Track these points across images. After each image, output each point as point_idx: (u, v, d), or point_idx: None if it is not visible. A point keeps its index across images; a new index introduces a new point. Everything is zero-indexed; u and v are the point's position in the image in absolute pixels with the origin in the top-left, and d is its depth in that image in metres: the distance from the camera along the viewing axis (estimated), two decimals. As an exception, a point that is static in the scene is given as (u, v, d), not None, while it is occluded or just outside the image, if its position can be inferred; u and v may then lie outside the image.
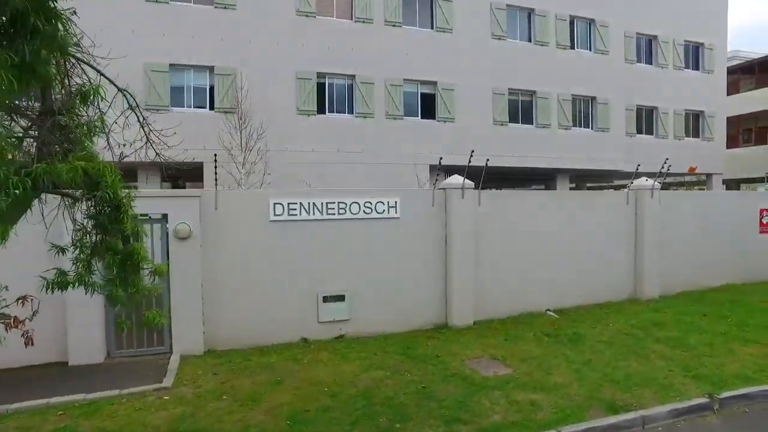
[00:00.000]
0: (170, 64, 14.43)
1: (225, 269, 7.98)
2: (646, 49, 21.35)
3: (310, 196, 8.34)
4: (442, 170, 9.51)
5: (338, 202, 8.43)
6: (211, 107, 14.76)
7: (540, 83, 18.06)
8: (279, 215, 8.18)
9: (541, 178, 20.48)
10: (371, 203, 8.58)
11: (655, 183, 10.75)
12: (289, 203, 8.21)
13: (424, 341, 8.20)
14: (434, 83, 16.81)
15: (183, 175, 15.59)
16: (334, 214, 8.43)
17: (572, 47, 18.85)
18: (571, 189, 21.25)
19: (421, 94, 16.84)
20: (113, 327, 7.52)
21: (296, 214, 8.25)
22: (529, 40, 18.23)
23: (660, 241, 10.87)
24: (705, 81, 22.44)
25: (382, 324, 8.71)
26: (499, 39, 17.60)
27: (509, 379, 6.49)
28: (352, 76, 15.84)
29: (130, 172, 14.88)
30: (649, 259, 10.69)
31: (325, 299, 8.42)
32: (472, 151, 9.14)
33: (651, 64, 21.39)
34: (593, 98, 19.13)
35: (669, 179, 26.42)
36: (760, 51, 31.53)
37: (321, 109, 15.69)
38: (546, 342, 7.98)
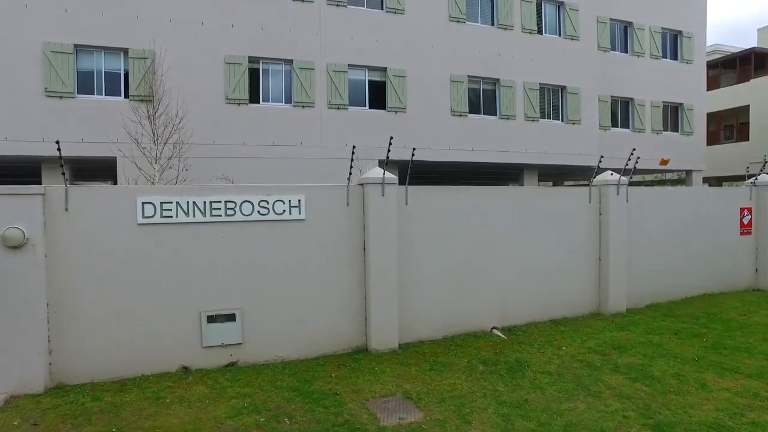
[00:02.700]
0: (76, 45, 12.84)
1: (81, 285, 6.49)
2: (621, 36, 20.30)
3: (189, 194, 6.88)
4: (393, 165, 8.11)
5: (225, 201, 6.97)
6: (126, 95, 13.19)
7: (504, 70, 16.82)
8: (149, 217, 6.70)
9: (508, 175, 19.23)
10: (267, 202, 7.14)
11: (622, 178, 9.48)
12: (162, 202, 6.73)
13: (329, 371, 6.78)
14: (384, 70, 15.45)
15: (96, 173, 14.04)
16: (220, 215, 6.97)
17: (540, 32, 17.67)
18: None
19: (369, 81, 15.47)
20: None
21: (171, 216, 6.78)
22: (492, 24, 16.99)
23: (628, 244, 9.60)
24: (684, 72, 21.44)
25: (286, 348, 7.29)
26: (458, 21, 16.32)
27: (415, 430, 5.09)
28: (290, 61, 14.40)
29: (32, 168, 13.33)
30: (614, 266, 9.41)
31: (211, 319, 6.96)
32: (414, 149, 7.78)
33: (626, 52, 20.35)
34: (563, 87, 17.96)
35: (649, 177, 25.50)
36: (741, 46, 30.85)
37: (254, 98, 14.22)
38: (479, 372, 6.61)
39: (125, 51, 13.15)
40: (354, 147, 7.59)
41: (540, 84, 17.46)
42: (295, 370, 6.86)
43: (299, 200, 7.26)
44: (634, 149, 9.52)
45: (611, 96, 19.66)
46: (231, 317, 7.04)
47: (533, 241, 8.95)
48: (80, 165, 13.74)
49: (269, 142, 13.92)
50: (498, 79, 16.89)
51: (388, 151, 7.47)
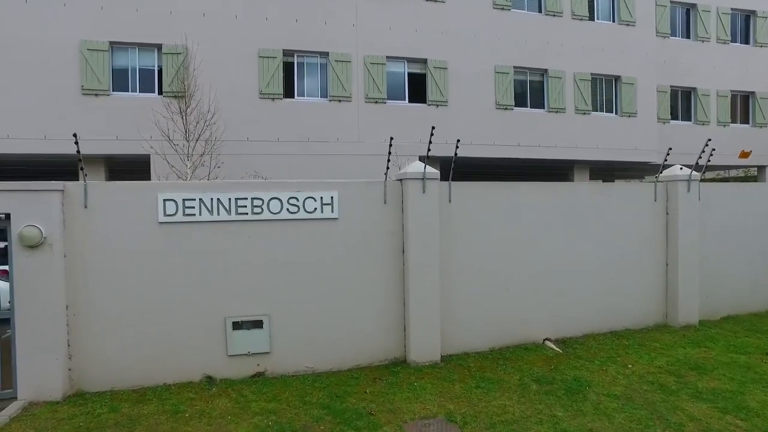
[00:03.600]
0: (111, 42, 12.77)
1: (101, 287, 6.16)
2: (683, 19, 18.76)
3: (213, 190, 6.44)
4: (434, 161, 7.47)
5: (252, 198, 6.49)
6: (160, 92, 13.04)
7: (552, 60, 15.81)
8: (171, 215, 6.30)
9: (557, 173, 18.15)
10: (297, 199, 6.61)
11: (693, 173, 8.49)
12: (184, 199, 6.32)
13: (364, 386, 6.19)
14: (424, 61, 14.76)
15: (130, 171, 13.99)
16: (246, 213, 6.50)
17: (591, 18, 16.54)
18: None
19: (409, 74, 14.80)
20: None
21: (194, 214, 6.36)
22: (539, 10, 16.01)
23: (700, 247, 8.58)
24: (756, 57, 19.58)
25: (317, 359, 6.76)
26: (503, 9, 15.44)
27: (459, 461, 4.44)
28: (325, 54, 13.93)
29: (71, 165, 13.34)
30: (684, 272, 8.42)
31: (236, 326, 6.50)
32: (458, 140, 7.15)
33: (689, 37, 18.82)
34: (617, 77, 16.76)
35: (710, 174, 23.72)
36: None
37: (288, 93, 13.82)
38: (533, 392, 5.87)
39: (159, 47, 13.00)
40: (391, 138, 6.98)
41: (592, 74, 16.34)
42: (327, 383, 6.31)
43: (332, 197, 6.70)
44: (710, 140, 8.49)
45: (671, 86, 18.22)
46: (258, 324, 6.56)
47: (590, 244, 8.09)
48: (115, 163, 13.71)
49: (304, 139, 13.49)
50: (546, 70, 15.91)
51: (430, 142, 6.82)
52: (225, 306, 6.48)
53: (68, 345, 6.08)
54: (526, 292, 7.72)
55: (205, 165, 11.83)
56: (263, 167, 12.30)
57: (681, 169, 8.58)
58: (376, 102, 14.20)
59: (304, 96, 13.95)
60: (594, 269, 8.11)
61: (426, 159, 6.92)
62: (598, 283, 8.14)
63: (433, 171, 7.00)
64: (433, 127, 6.92)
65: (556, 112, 15.99)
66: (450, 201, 7.29)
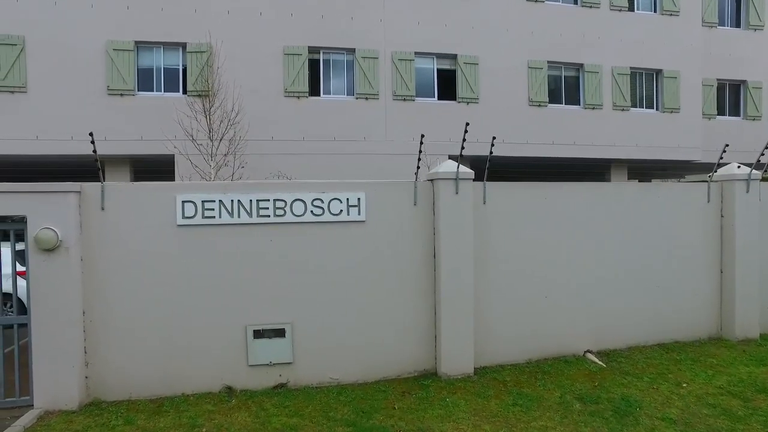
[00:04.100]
0: (136, 42, 12.72)
1: (118, 292, 5.93)
2: (733, 7, 17.68)
3: (233, 191, 6.14)
4: (465, 161, 7.01)
5: (274, 200, 6.17)
6: (184, 91, 12.93)
7: (589, 54, 15.14)
8: (190, 217, 6.03)
9: (593, 172, 17.41)
10: (322, 201, 6.27)
11: (753, 171, 7.83)
12: (204, 201, 6.04)
13: (392, 401, 5.80)
14: (454, 57, 14.30)
15: (155, 172, 13.94)
16: (269, 216, 6.18)
17: (631, 8, 15.79)
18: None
19: (438, 70, 14.37)
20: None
21: (214, 216, 6.07)
22: (575, 2, 15.36)
23: (760, 252, 7.89)
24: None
25: (342, 370, 6.41)
26: (536, 1, 14.87)
27: (499, 493, 4.00)
28: (352, 50, 13.60)
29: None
30: (742, 279, 7.75)
31: (258, 334, 6.19)
32: (494, 138, 6.68)
33: (739, 26, 17.75)
34: (658, 71, 15.95)
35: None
36: None
37: (314, 91, 13.55)
38: (577, 413, 5.38)
39: (183, 46, 12.90)
40: (422, 136, 6.57)
41: (631, 68, 15.59)
42: (352, 396, 5.94)
43: (359, 199, 6.33)
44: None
45: (717, 79, 17.23)
46: (280, 332, 6.24)
47: (636, 248, 7.52)
48: (140, 164, 13.67)
49: (330, 138, 13.20)
50: (582, 64, 15.24)
51: (464, 140, 6.38)
52: (245, 313, 6.18)
53: (85, 352, 5.88)
54: (566, 300, 7.21)
55: (229, 165, 11.65)
56: (288, 167, 12.05)
57: (739, 167, 7.91)
58: (404, 99, 13.81)
59: (330, 94, 13.67)
60: (640, 276, 7.54)
61: (459, 158, 6.48)
62: (644, 290, 7.56)
63: (466, 171, 6.56)
64: (467, 124, 6.49)
65: (593, 108, 15.31)
66: (484, 202, 6.84)
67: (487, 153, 6.83)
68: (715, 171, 8.06)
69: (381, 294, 6.51)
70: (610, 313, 7.39)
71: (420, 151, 6.57)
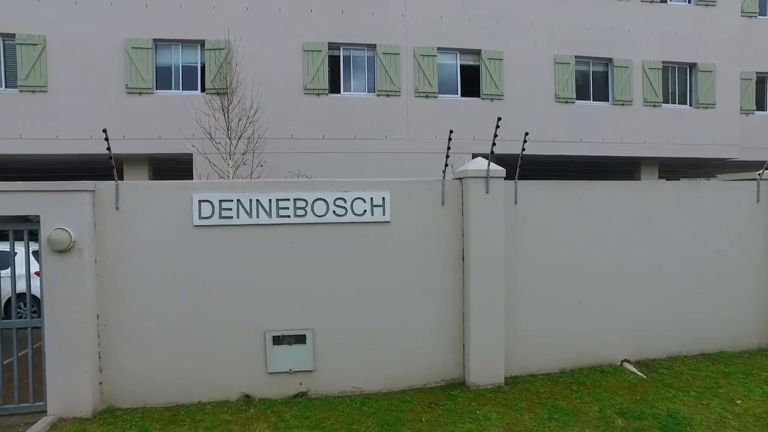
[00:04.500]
0: (155, 40, 12.61)
1: (133, 296, 5.72)
2: (775, -5, 16.90)
3: (252, 190, 5.87)
4: (491, 160, 6.65)
5: (294, 199, 5.89)
6: (203, 89, 12.78)
7: (618, 48, 14.60)
8: (207, 218, 5.78)
9: (621, 171, 16.82)
10: (345, 200, 5.96)
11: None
12: (221, 200, 5.79)
13: (418, 412, 5.47)
14: (477, 52, 13.90)
15: (174, 171, 13.84)
16: (289, 216, 5.90)
17: (663, 0, 15.15)
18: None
19: (461, 66, 13.98)
20: (-26, 375, 5.59)
21: (232, 217, 5.82)
22: (604, -6, 14.84)
23: (807, 257, 7.38)
24: None
25: (365, 378, 6.10)
26: (563, -7, 14.39)
27: None
28: (373, 46, 13.30)
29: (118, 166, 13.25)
30: (791, 284, 7.24)
31: (277, 341, 5.92)
32: (527, 134, 6.33)
33: (782, 16, 16.96)
34: (692, 65, 15.32)
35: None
36: None
37: (334, 88, 13.29)
38: (620, 430, 4.98)
39: (202, 43, 12.75)
40: (451, 132, 6.22)
41: (663, 62, 15.00)
42: (376, 407, 5.63)
43: (383, 198, 6.01)
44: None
45: (757, 72, 16.44)
46: (301, 339, 5.96)
47: (677, 251, 7.06)
48: (158, 162, 13.57)
49: (350, 136, 12.92)
50: (611, 59, 14.71)
51: (495, 135, 6.01)
52: (265, 318, 5.91)
53: (99, 357, 5.68)
54: (602, 306, 6.79)
55: (248, 164, 11.45)
56: (307, 166, 11.81)
57: (790, 164, 7.39)
58: (426, 96, 13.46)
59: (350, 91, 13.41)
60: (681, 280, 7.08)
61: (490, 156, 6.12)
62: (687, 296, 7.10)
63: (498, 168, 6.20)
64: (499, 119, 6.13)
65: (622, 104, 14.76)
66: (516, 202, 6.46)
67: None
68: (766, 169, 7.53)
69: (406, 298, 6.19)
70: (649, 320, 6.95)
71: (448, 148, 6.24)
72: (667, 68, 15.23)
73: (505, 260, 6.27)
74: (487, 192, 6.15)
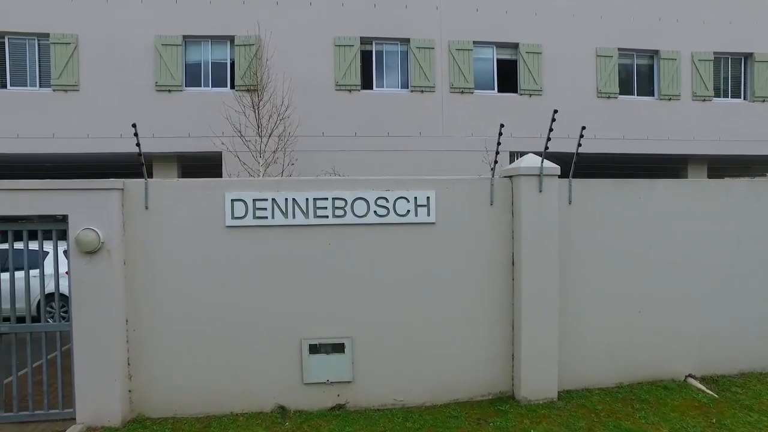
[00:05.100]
0: (184, 37, 12.45)
1: (162, 300, 5.44)
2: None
3: (287, 189, 5.52)
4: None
5: (333, 199, 5.52)
6: (232, 86, 12.57)
7: (665, 39, 13.84)
8: (240, 218, 5.46)
9: (667, 169, 16.00)
10: (387, 200, 5.56)
11: None
12: (255, 200, 5.46)
13: (467, 430, 5.03)
14: (515, 46, 13.35)
15: (203, 169, 13.69)
16: (327, 216, 5.53)
17: (716, -14, 14.35)
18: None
19: (498, 60, 13.45)
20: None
21: (266, 217, 5.48)
22: (650, -18, 14.10)
23: None
24: None
25: (407, 390, 5.70)
26: (607, -18, 13.71)
27: None
28: (406, 41, 12.88)
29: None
30: None
31: (314, 349, 5.56)
32: (583, 128, 5.82)
33: None
34: (748, 55, 14.42)
35: None
36: None
37: (366, 84, 12.91)
38: (696, 456, 4.46)
39: (231, 39, 12.54)
40: (502, 126, 5.75)
41: (715, 53, 14.16)
42: (420, 423, 5.22)
43: (428, 197, 5.59)
44: None
45: (820, 61, 15.40)
46: (339, 348, 5.59)
47: (749, 257, 6.44)
48: (187, 161, 13.43)
49: (383, 133, 12.53)
50: (657, 51, 13.96)
51: (550, 129, 5.54)
52: (301, 325, 5.56)
53: (128, 364, 5.41)
54: (663, 316, 6.23)
55: (278, 162, 11.17)
56: (339, 164, 11.48)
57: None
58: (462, 92, 12.98)
59: (383, 87, 13.01)
60: (755, 289, 6.46)
61: (543, 153, 5.64)
62: (761, 307, 6.47)
63: (552, 166, 5.72)
64: (555, 111, 5.66)
65: (669, 99, 13.99)
66: (570, 202, 5.96)
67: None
68: None
69: (451, 306, 5.76)
70: (717, 331, 6.35)
71: (498, 144, 5.78)
72: (719, 59, 14.37)
73: (559, 265, 5.78)
74: (541, 191, 5.67)
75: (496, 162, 5.87)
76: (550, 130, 5.54)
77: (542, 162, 5.67)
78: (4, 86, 12.42)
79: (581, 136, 5.79)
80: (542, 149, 5.70)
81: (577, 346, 6.00)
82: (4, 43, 12.34)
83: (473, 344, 5.82)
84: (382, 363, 5.67)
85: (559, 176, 5.79)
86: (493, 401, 5.76)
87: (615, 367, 6.12)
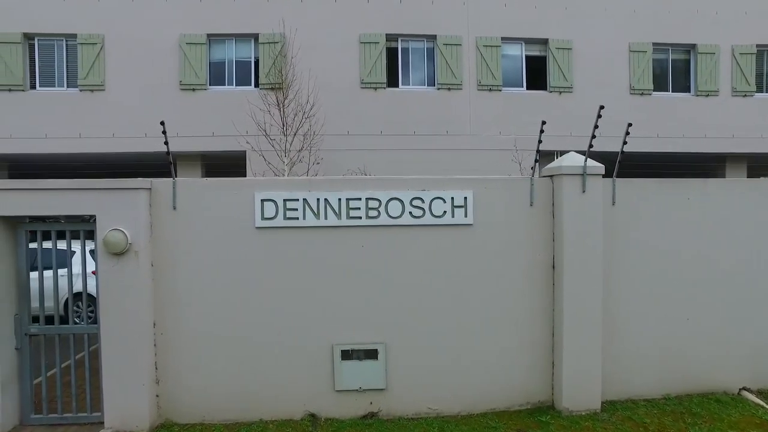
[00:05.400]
0: (209, 35, 12.39)
1: (190, 302, 5.30)
2: None
3: (319, 188, 5.33)
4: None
5: (367, 199, 5.31)
6: (256, 84, 12.48)
7: (703, 32, 13.33)
8: (270, 218, 5.29)
9: (702, 168, 15.44)
10: (423, 200, 5.34)
11: None
12: (285, 200, 5.28)
13: (508, 445, 4.78)
14: (544, 42, 13.00)
15: (227, 169, 13.65)
16: (360, 217, 5.33)
17: (758, -26, 13.78)
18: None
19: (527, 57, 13.10)
20: (29, 385, 5.30)
21: (297, 218, 5.30)
22: (688, -27, 13.59)
23: None
24: None
25: (442, 399, 5.47)
26: (641, -25, 13.26)
27: None
28: (433, 37, 12.63)
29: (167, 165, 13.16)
30: None
31: (346, 355, 5.36)
32: (630, 124, 5.60)
33: None
34: (794, 48, 13.81)
35: None
36: None
37: (392, 81, 12.69)
38: (761, 478, 4.13)
39: (255, 37, 12.45)
40: (543, 123, 5.49)
41: (757, 46, 13.56)
42: (457, 433, 4.98)
43: (465, 198, 5.35)
44: None
45: None
46: (372, 354, 5.38)
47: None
48: (210, 160, 13.38)
49: (409, 132, 12.31)
50: (694, 45, 13.45)
51: (596, 126, 5.25)
52: (332, 330, 5.37)
53: (155, 368, 5.29)
54: (714, 324, 5.88)
55: (303, 161, 11.03)
56: (364, 163, 11.28)
57: None
58: (489, 90, 12.69)
59: (409, 85, 12.80)
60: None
61: (588, 150, 5.35)
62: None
63: (596, 165, 5.43)
64: (602, 107, 5.38)
65: (706, 95, 13.48)
66: (614, 203, 5.66)
67: (581, 147, 5.66)
68: None
69: (488, 311, 5.51)
70: (772, 340, 5.98)
71: (539, 141, 5.50)
72: (762, 52, 13.76)
73: (602, 269, 5.48)
74: (584, 191, 5.38)
75: (536, 161, 5.60)
76: (596, 126, 5.26)
77: (586, 161, 5.38)
78: (34, 87, 12.53)
79: (627, 133, 5.52)
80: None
81: (621, 353, 5.69)
82: (34, 44, 12.46)
83: (511, 351, 5.56)
84: (416, 370, 5.45)
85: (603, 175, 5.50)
86: (532, 411, 5.50)
87: (661, 376, 5.80)
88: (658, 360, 5.78)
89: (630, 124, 5.49)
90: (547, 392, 5.63)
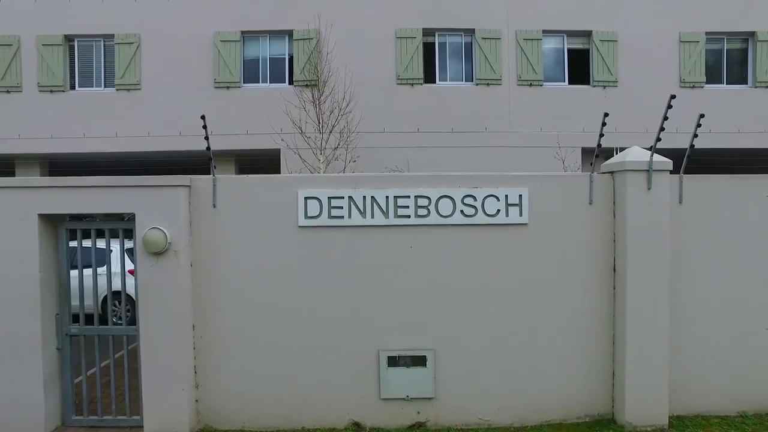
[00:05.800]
0: (242, 32, 12.33)
1: (230, 304, 5.12)
2: None
3: (365, 185, 5.08)
4: (601, 157, 5.49)
5: (415, 197, 5.03)
6: (290, 81, 12.36)
7: (763, 18, 12.55)
8: (314, 217, 5.06)
9: (757, 165, 14.61)
10: (475, 198, 5.03)
11: None
12: (330, 198, 5.05)
13: (569, 463, 4.44)
14: (587, 34, 12.49)
15: (261, 167, 13.58)
16: (408, 216, 5.05)
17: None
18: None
19: (569, 50, 12.63)
20: (70, 385, 5.21)
21: (343, 216, 5.06)
22: (744, -44, 12.86)
23: None
24: None
25: (493, 409, 5.16)
26: (692, -40, 12.62)
27: None
28: (471, 31, 12.27)
29: (204, 163, 13.18)
30: None
31: (392, 362, 5.10)
32: (701, 115, 5.19)
33: None
34: None
35: None
36: None
37: (429, 77, 12.39)
38: None
39: (290, 33, 12.34)
40: (606, 115, 5.11)
41: (826, 31, 12.75)
42: (511, 448, 4.66)
43: (520, 196, 5.02)
44: None
45: None
46: (420, 361, 5.10)
47: None
48: (244, 159, 13.34)
49: (447, 129, 12.00)
50: (753, 33, 12.71)
51: (665, 118, 4.88)
52: (378, 335, 5.11)
53: (195, 372, 5.12)
54: (792, 334, 5.40)
55: (339, 159, 10.83)
56: (401, 161, 11.01)
57: None
58: (530, 85, 12.27)
59: (446, 80, 12.51)
60: None
61: (654, 145, 4.96)
62: None
63: (663, 160, 5.04)
64: (673, 96, 5.01)
65: (766, 87, 12.71)
66: (680, 202, 5.24)
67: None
68: None
69: (545, 316, 5.17)
70: None
71: (600, 135, 5.11)
72: (829, 39, 12.94)
73: (670, 273, 5.07)
74: (649, 189, 4.99)
75: (597, 156, 5.22)
76: (665, 118, 4.89)
77: (651, 155, 4.99)
78: (73, 87, 12.71)
79: (698, 125, 5.09)
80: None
81: (689, 365, 5.26)
82: (74, 45, 12.63)
83: (568, 359, 5.20)
84: (466, 378, 5.15)
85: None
86: (590, 425, 5.13)
87: (735, 391, 5.34)
88: (731, 373, 5.31)
89: (702, 115, 5.07)
90: (607, 404, 5.25)
